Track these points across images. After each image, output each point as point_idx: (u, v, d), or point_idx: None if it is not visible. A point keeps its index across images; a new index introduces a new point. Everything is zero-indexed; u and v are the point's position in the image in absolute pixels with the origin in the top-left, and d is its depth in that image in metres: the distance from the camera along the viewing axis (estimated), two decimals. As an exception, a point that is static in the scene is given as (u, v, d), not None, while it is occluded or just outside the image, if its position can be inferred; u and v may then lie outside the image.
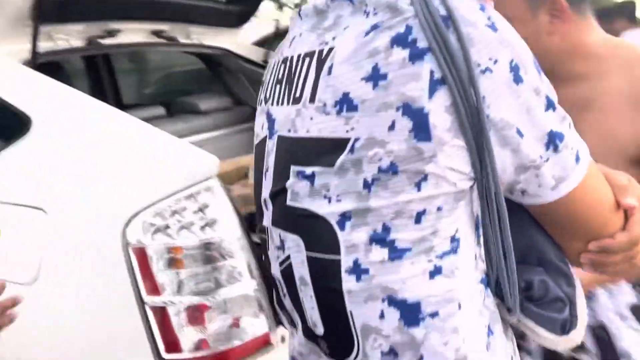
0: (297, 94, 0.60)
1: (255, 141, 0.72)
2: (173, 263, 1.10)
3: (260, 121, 0.71)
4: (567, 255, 0.64)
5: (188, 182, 1.11)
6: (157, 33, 1.92)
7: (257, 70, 2.30)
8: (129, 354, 1.09)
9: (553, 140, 0.55)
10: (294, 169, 0.60)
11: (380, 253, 0.56)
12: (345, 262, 0.57)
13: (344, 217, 0.56)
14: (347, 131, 0.54)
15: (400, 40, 0.52)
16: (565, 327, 0.63)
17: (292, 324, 0.71)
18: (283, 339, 1.25)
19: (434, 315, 0.57)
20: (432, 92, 0.51)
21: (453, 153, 0.53)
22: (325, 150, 0.57)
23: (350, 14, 0.58)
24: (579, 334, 0.64)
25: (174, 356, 1.08)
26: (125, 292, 1.06)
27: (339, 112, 0.55)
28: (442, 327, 0.57)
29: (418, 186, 0.54)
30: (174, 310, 1.09)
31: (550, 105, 0.55)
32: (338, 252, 0.57)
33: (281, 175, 0.63)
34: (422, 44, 0.51)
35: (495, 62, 0.51)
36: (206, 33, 2.13)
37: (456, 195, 0.55)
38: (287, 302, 0.68)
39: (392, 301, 0.57)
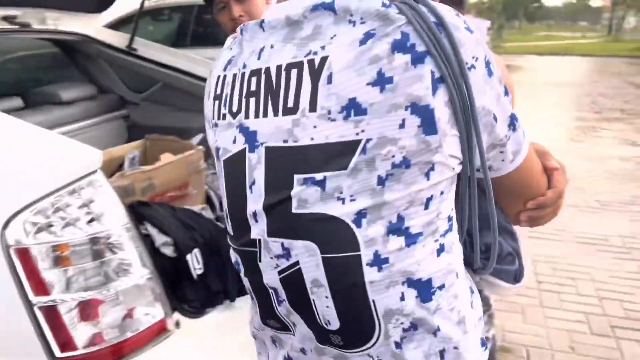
0: (290, 105, 0.60)
1: (223, 156, 0.70)
2: (60, 261, 1.08)
3: (228, 135, 0.68)
4: (510, 216, 0.77)
5: (70, 178, 1.09)
6: (8, 19, 1.78)
7: (120, 56, 2.21)
8: (21, 358, 1.05)
9: (512, 121, 0.66)
10: (298, 177, 0.61)
11: (397, 242, 0.61)
12: (366, 255, 0.61)
13: (360, 214, 0.59)
14: (357, 134, 0.57)
15: (400, 46, 0.56)
16: (516, 276, 0.78)
17: (285, 328, 0.73)
18: (178, 324, 1.28)
19: (441, 287, 0.65)
20: (434, 90, 0.56)
21: (452, 142, 0.59)
22: (335, 155, 0.58)
23: (332, 23, 0.59)
24: (524, 280, 0.78)
25: (69, 354, 1.07)
26: (11, 296, 1.02)
27: (346, 117, 0.57)
28: (447, 296, 0.65)
29: (427, 175, 0.59)
30: (65, 308, 1.07)
31: (506, 91, 0.65)
32: (357, 248, 0.60)
33: (278, 185, 0.63)
34: (420, 48, 0.56)
35: (476, 59, 0.59)
36: (62, 18, 2.00)
37: (452, 178, 0.63)
38: (283, 307, 0.69)
39: (411, 282, 0.63)
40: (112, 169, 1.84)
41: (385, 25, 0.57)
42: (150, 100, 2.42)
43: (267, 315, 0.74)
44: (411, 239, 0.61)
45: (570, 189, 3.49)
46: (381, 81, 0.56)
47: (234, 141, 0.67)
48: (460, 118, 0.58)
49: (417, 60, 0.56)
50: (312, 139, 0.59)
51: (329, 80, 0.58)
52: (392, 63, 0.56)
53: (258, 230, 0.66)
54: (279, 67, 0.62)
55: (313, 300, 0.65)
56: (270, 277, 0.68)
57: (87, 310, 1.11)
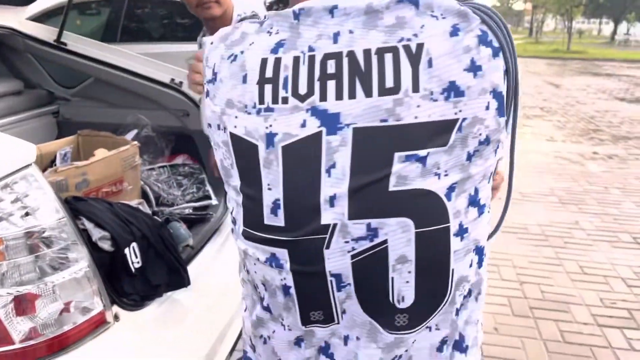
0: (390, 85, 0.63)
1: (283, 141, 0.67)
2: (-7, 256, 1.07)
3: (293, 119, 0.66)
4: None
5: (3, 172, 1.08)
6: None
7: (48, 50, 2.15)
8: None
9: None
10: (400, 154, 0.63)
11: (474, 212, 0.67)
12: (453, 226, 0.66)
13: (451, 188, 0.65)
14: (455, 113, 0.62)
15: (483, 41, 0.63)
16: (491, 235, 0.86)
17: (329, 320, 0.71)
18: (117, 317, 1.29)
19: (486, 255, 0.73)
20: (504, 79, 0.65)
21: (506, 123, 0.67)
22: (437, 132, 0.63)
23: (415, 15, 0.64)
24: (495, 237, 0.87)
25: (5, 349, 1.06)
26: (-59, 292, 1.00)
27: (447, 98, 0.62)
28: (487, 262, 0.74)
29: (496, 152, 0.67)
30: (0, 303, 1.06)
31: None
32: (447, 220, 0.65)
33: (372, 165, 0.64)
34: (495, 44, 0.64)
35: None
36: (-15, 11, 1.94)
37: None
38: (343, 292, 0.68)
39: (477, 250, 0.70)
40: (44, 165, 1.80)
41: (466, 21, 0.64)
42: (81, 96, 2.37)
43: (314, 307, 0.71)
44: (481, 210, 0.68)
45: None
46: (474, 68, 0.63)
47: (303, 124, 0.66)
48: (511, 102, 0.67)
49: (495, 53, 0.64)
50: (415, 117, 0.63)
51: (430, 64, 0.63)
52: (480, 54, 0.63)
53: (334, 215, 0.65)
54: (367, 51, 0.64)
55: (392, 278, 0.67)
56: (338, 263, 0.67)
57: (23, 305, 1.11)
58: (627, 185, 4.98)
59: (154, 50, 4.73)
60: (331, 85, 0.65)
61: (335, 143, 0.65)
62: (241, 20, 0.76)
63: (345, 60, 0.65)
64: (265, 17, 0.72)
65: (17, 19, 2.10)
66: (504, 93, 0.65)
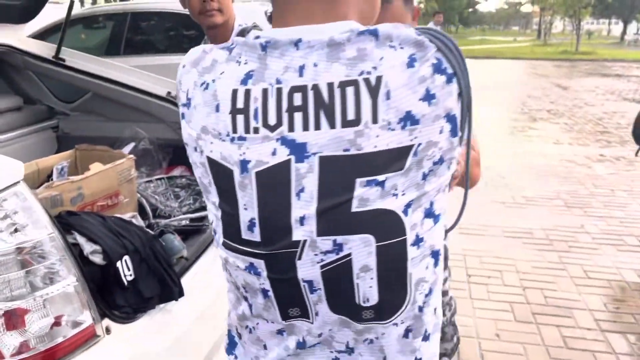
0: (351, 118, 0.68)
1: (256, 168, 0.73)
2: (-18, 272, 1.09)
3: (264, 148, 0.72)
4: None
5: (-9, 190, 1.10)
6: None
7: (47, 66, 2.19)
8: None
9: None
10: (361, 180, 0.69)
11: (429, 223, 0.74)
12: (410, 238, 0.73)
13: (407, 205, 0.71)
14: (411, 140, 0.68)
15: (438, 69, 0.68)
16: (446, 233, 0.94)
17: (305, 315, 0.80)
18: (108, 330, 1.31)
19: (441, 254, 0.80)
20: (457, 102, 0.70)
21: (462, 137, 0.73)
22: (394, 158, 0.69)
23: (375, 47, 0.69)
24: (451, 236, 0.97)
25: (-6, 363, 1.09)
26: None
27: (403, 127, 0.68)
28: (442, 259, 0.81)
29: (449, 167, 0.73)
30: (-10, 318, 1.08)
31: None
32: (404, 233, 0.72)
33: (337, 190, 0.70)
34: (450, 70, 0.69)
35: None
36: (-16, 30, 1.98)
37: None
38: (315, 295, 0.77)
39: (432, 254, 0.77)
40: (41, 180, 1.83)
41: (422, 51, 0.68)
42: (80, 111, 2.40)
43: (291, 305, 0.80)
44: (436, 219, 0.75)
45: (498, 186, 3.73)
46: (428, 97, 0.68)
47: (274, 153, 0.71)
48: (463, 122, 0.73)
49: (449, 80, 0.69)
50: (375, 146, 0.68)
51: (388, 96, 0.68)
52: (434, 82, 0.68)
53: (304, 232, 0.73)
54: (330, 85, 0.69)
55: (357, 284, 0.75)
56: (309, 272, 0.75)
57: (14, 320, 1.13)
58: (634, 187, 4.95)
59: (157, 62, 4.80)
60: (298, 116, 0.71)
61: (304, 170, 0.71)
62: (241, 31, 0.79)
63: (310, 94, 0.70)
64: (232, 44, 0.76)
65: (16, 37, 2.14)
66: (458, 115, 0.71)
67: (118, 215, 1.60)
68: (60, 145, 2.30)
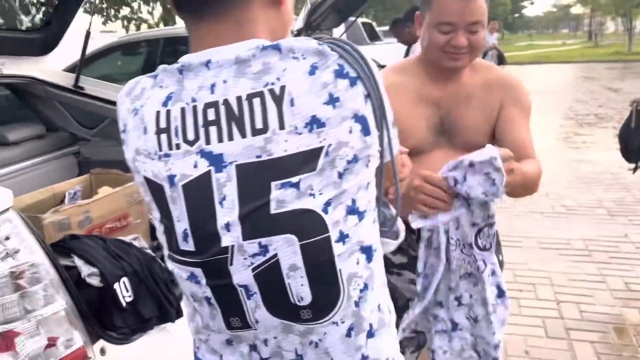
0: (259, 126, 0.73)
1: (181, 181, 0.78)
2: (-25, 296, 1.14)
3: (186, 162, 0.77)
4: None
5: (-19, 218, 1.15)
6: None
7: (67, 95, 2.29)
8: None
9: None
10: (276, 183, 0.74)
11: (353, 219, 0.78)
12: (334, 235, 0.77)
13: (327, 204, 0.75)
14: (320, 142, 0.73)
15: (340, 74, 0.74)
16: (397, 235, 1.00)
17: (246, 326, 0.83)
18: (103, 351, 1.34)
19: (376, 250, 0.83)
20: (365, 103, 0.75)
21: (376, 139, 0.78)
22: (305, 160, 0.73)
23: (279, 59, 0.74)
24: (402, 237, 1.02)
25: (-14, 386, 1.12)
26: None
27: (310, 130, 0.73)
28: (379, 258, 0.85)
29: (367, 165, 0.78)
30: (-18, 342, 1.13)
31: None
32: (327, 230, 0.76)
33: (254, 194, 0.75)
34: (353, 74, 0.74)
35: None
36: (6, 63, 2.09)
37: (378, 165, 0.82)
38: (252, 301, 0.80)
39: (362, 249, 0.80)
40: (55, 204, 1.90)
41: (324, 59, 0.74)
42: (100, 136, 2.50)
43: (232, 314, 0.83)
44: (361, 215, 0.79)
45: (538, 195, 3.52)
46: (332, 100, 0.73)
47: (195, 165, 0.76)
48: (379, 122, 0.78)
49: (353, 83, 0.74)
50: (285, 150, 0.73)
51: (292, 103, 0.73)
52: (337, 87, 0.73)
53: (231, 238, 0.77)
54: (239, 98, 0.74)
55: (289, 284, 0.78)
56: (242, 276, 0.79)
57: (7, 342, 1.17)
58: (685, 192, 4.68)
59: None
60: (213, 130, 0.76)
61: (223, 179, 0.76)
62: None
63: (222, 108, 0.76)
64: (157, 72, 0.83)
65: (37, 68, 2.25)
66: (367, 115, 0.75)
67: (120, 238, 1.63)
68: (82, 170, 2.39)
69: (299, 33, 4.84)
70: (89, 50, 4.79)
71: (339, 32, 5.17)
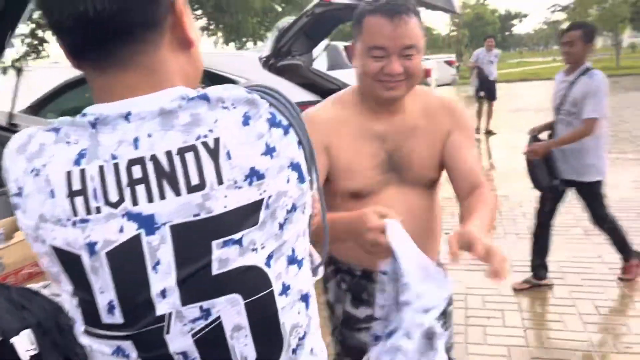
0: (195, 182, 0.69)
1: (104, 249, 0.70)
2: None
3: (110, 226, 0.69)
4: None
5: None
6: None
7: (3, 133, 2.24)
8: None
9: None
10: (217, 242, 0.69)
11: (294, 269, 0.76)
12: (277, 288, 0.74)
13: (269, 257, 0.72)
14: (260, 194, 0.70)
15: (273, 123, 0.72)
16: (315, 271, 0.94)
17: None
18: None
19: (311, 295, 0.81)
20: (298, 150, 0.74)
21: (309, 185, 0.77)
22: (247, 215, 0.70)
23: (208, 109, 0.70)
24: (321, 274, 0.96)
25: None
26: None
27: (250, 183, 0.70)
28: (313, 300, 0.82)
29: (303, 212, 0.76)
30: None
31: None
32: (270, 285, 0.73)
33: (194, 256, 0.70)
34: (285, 122, 0.73)
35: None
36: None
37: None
38: None
39: (302, 297, 0.78)
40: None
41: (255, 108, 0.72)
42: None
43: None
44: (300, 264, 0.77)
45: (514, 216, 3.52)
46: (269, 150, 0.71)
47: (121, 230, 0.69)
48: (309, 167, 0.77)
49: (286, 131, 0.73)
50: (225, 206, 0.69)
51: (229, 156, 0.69)
52: (272, 136, 0.71)
53: (168, 305, 0.71)
54: (168, 153, 0.69)
55: (232, 345, 0.74)
56: (181, 344, 0.73)
57: None
58: (662, 208, 4.61)
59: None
60: (140, 189, 0.69)
61: (156, 242, 0.69)
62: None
63: (149, 165, 0.69)
64: (58, 125, 0.74)
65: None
66: (301, 162, 0.74)
67: (28, 286, 1.55)
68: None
69: (267, 60, 4.83)
70: (58, 82, 4.78)
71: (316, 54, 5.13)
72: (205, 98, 0.71)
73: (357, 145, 1.38)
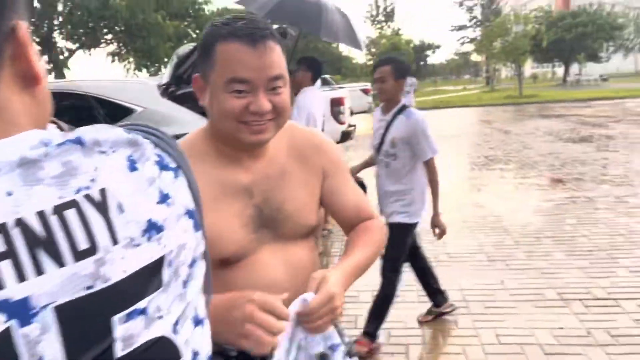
0: (84, 247, 0.55)
1: None
2: None
3: None
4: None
5: None
6: None
7: None
8: None
9: None
10: (120, 316, 0.56)
11: (199, 331, 0.66)
12: (187, 356, 0.63)
13: (175, 323, 0.62)
14: (161, 250, 0.59)
15: (162, 166, 0.62)
16: None
17: None
18: None
19: (211, 356, 0.72)
20: (190, 195, 0.65)
21: (203, 232, 0.69)
22: (150, 277, 0.59)
23: (83, 156, 0.57)
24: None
25: None
26: None
27: (149, 239, 0.59)
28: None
29: (200, 265, 0.67)
30: None
31: None
32: (180, 354, 0.62)
33: (89, 340, 0.56)
34: (173, 164, 0.64)
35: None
36: None
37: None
38: None
39: (207, 358, 0.70)
40: None
41: (139, 150, 0.61)
42: None
43: None
44: (202, 323, 0.67)
45: (424, 243, 3.40)
46: (163, 197, 0.61)
47: None
48: (200, 213, 0.68)
49: (176, 174, 0.64)
50: (124, 271, 0.57)
51: (121, 209, 0.58)
52: (164, 181, 0.62)
53: None
54: (41, 214, 0.54)
55: None
56: None
57: None
58: (558, 234, 4.79)
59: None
60: (6, 266, 0.53)
61: (35, 333, 0.54)
62: None
63: (15, 232, 0.54)
64: None
65: None
66: (194, 207, 0.66)
67: None
68: None
69: (166, 87, 4.62)
70: None
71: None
72: (78, 142, 0.58)
73: (218, 206, 1.15)
